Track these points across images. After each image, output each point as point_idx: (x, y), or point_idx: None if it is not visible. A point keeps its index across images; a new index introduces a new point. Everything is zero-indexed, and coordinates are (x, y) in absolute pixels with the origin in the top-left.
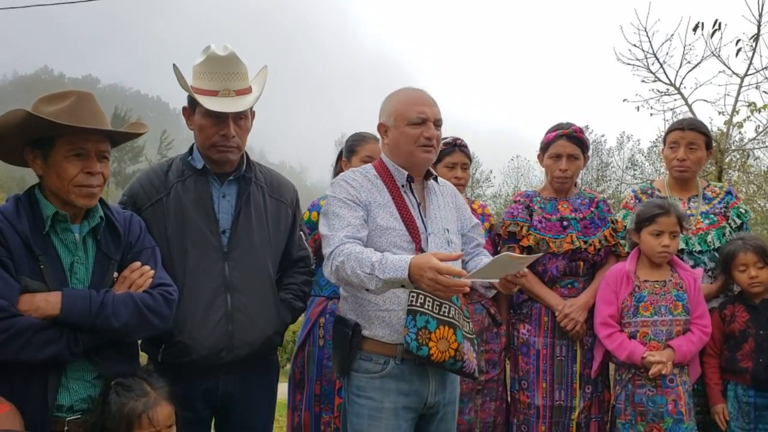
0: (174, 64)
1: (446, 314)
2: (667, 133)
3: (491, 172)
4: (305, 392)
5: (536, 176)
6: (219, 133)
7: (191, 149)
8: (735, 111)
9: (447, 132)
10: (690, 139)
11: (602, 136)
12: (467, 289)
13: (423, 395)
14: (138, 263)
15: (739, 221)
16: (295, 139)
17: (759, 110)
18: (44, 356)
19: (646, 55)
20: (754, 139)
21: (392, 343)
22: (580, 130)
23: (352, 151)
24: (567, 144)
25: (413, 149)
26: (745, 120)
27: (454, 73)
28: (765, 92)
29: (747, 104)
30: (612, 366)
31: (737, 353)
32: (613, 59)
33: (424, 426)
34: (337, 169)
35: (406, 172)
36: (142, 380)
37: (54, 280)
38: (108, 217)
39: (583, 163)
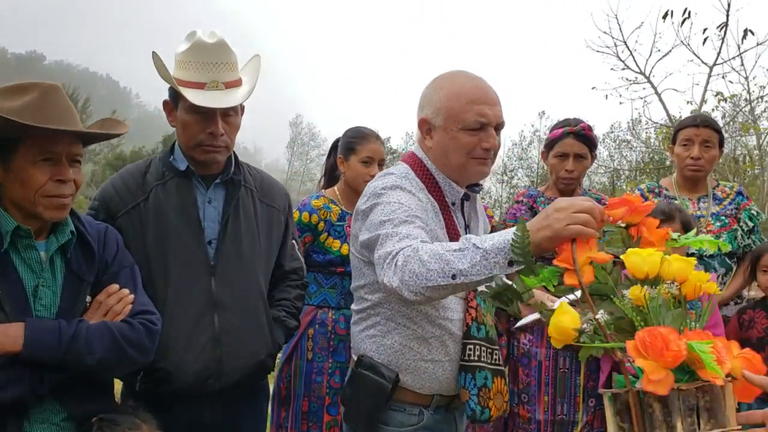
0: (154, 52)
1: (497, 361)
2: (679, 129)
3: None
4: (291, 409)
5: (501, 161)
6: (206, 131)
7: (172, 148)
8: (703, 100)
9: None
10: (705, 137)
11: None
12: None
13: None
14: (115, 286)
15: (751, 224)
16: (247, 118)
17: (726, 100)
18: (3, 399)
19: (615, 43)
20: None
21: (428, 394)
22: (589, 128)
23: (351, 149)
24: (574, 143)
25: (465, 161)
26: (713, 110)
27: (419, 53)
28: (731, 82)
29: (715, 94)
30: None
31: None
32: (579, 46)
33: None
34: (329, 165)
35: (463, 191)
36: (128, 414)
37: (14, 307)
38: (79, 231)
39: (590, 163)
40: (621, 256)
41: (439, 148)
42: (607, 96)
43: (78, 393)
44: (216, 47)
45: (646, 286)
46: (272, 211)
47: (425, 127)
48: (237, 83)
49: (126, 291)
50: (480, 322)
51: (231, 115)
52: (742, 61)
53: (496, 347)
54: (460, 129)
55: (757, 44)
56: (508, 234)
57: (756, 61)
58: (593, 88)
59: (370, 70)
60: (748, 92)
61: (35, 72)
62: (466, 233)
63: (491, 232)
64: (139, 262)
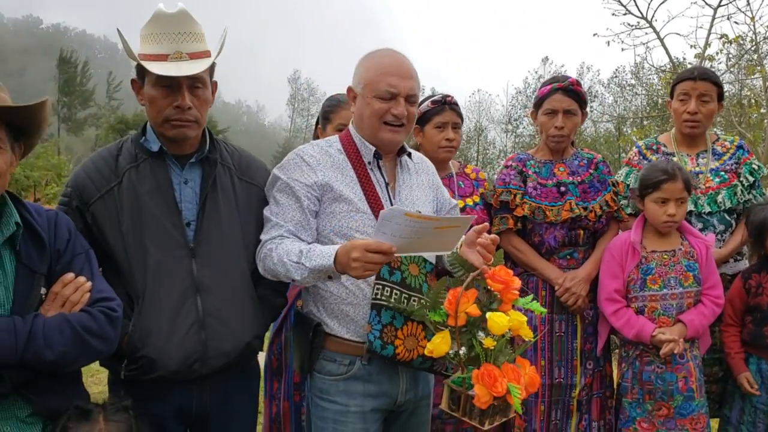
0: (118, 29)
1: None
2: (676, 83)
3: None
4: (283, 380)
5: (498, 110)
6: (172, 104)
7: (144, 128)
8: (707, 44)
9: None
10: (702, 90)
11: (562, 66)
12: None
13: (393, 395)
14: (71, 275)
15: (751, 178)
16: (249, 77)
17: (731, 42)
18: None
19: None
20: (726, 71)
21: (357, 341)
22: (578, 83)
23: (326, 118)
24: (563, 98)
25: (377, 126)
26: (717, 53)
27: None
28: (736, 23)
29: (719, 36)
30: (614, 339)
31: (764, 328)
32: None
33: (393, 421)
34: (314, 138)
35: (374, 148)
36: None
37: None
38: (26, 221)
39: (582, 120)
40: (488, 315)
41: (358, 112)
42: (609, 42)
43: (43, 387)
44: (177, 17)
45: (492, 336)
46: (252, 188)
47: (351, 94)
48: (203, 55)
49: (82, 279)
50: (394, 267)
51: (198, 87)
52: (748, 1)
53: (417, 296)
54: (373, 96)
55: None
56: (329, 259)
57: (763, 0)
58: (594, 34)
59: (369, 18)
60: (754, 33)
61: (33, 36)
62: (387, 190)
63: (482, 197)
64: (116, 248)
